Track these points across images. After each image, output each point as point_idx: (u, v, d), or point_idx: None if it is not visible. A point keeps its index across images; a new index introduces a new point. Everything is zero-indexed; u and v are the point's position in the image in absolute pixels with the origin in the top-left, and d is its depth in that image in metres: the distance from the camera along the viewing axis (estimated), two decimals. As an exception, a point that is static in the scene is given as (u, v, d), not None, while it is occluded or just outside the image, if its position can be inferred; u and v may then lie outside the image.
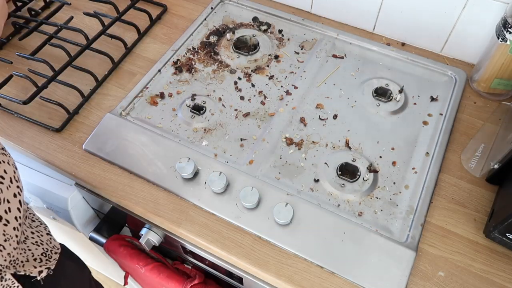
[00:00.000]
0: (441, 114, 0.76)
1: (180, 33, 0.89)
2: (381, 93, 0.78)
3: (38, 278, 0.59)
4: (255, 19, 0.92)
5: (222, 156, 0.71)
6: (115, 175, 0.69)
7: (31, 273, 0.58)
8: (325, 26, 0.89)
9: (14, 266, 0.55)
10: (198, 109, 0.76)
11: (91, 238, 0.79)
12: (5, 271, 0.53)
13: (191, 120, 0.75)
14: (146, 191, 0.67)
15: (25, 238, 0.59)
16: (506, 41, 0.69)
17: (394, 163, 0.70)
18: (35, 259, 0.60)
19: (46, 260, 0.62)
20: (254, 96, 0.79)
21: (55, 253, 0.64)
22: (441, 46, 0.84)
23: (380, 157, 0.71)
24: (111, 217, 0.81)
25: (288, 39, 0.88)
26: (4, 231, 0.49)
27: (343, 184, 0.67)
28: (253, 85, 0.80)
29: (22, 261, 0.57)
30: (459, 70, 0.81)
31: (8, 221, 0.49)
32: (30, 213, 0.64)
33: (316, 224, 0.62)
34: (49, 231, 0.67)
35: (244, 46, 0.88)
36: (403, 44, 0.87)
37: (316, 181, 0.68)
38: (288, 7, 0.94)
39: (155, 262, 0.76)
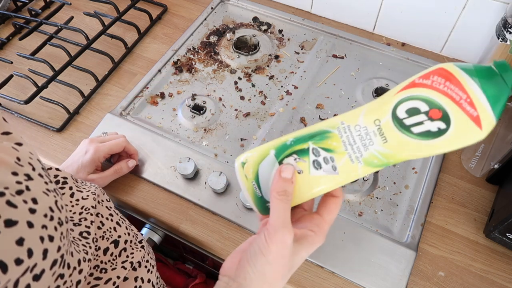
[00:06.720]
0: (441, 114, 0.76)
1: (180, 33, 0.89)
2: (381, 93, 0.78)
3: None
4: (255, 19, 0.92)
5: (222, 156, 0.71)
6: (115, 175, 0.69)
7: None
8: (325, 26, 0.90)
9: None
10: (198, 109, 0.76)
11: (91, 238, 0.79)
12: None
13: (191, 120, 0.75)
14: (146, 191, 0.67)
15: None
16: (506, 41, 0.69)
17: (394, 163, 0.70)
18: None
19: None
20: (254, 96, 0.79)
21: None
22: (441, 46, 0.84)
23: (380, 157, 0.71)
24: (111, 217, 0.81)
25: (288, 39, 0.88)
26: None
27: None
28: (253, 85, 0.80)
29: None
30: (459, 70, 0.81)
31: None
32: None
33: (316, 224, 0.62)
34: None
35: (244, 46, 0.88)
36: (403, 44, 0.87)
37: (316, 181, 0.68)
38: (288, 7, 0.94)
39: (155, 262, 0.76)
